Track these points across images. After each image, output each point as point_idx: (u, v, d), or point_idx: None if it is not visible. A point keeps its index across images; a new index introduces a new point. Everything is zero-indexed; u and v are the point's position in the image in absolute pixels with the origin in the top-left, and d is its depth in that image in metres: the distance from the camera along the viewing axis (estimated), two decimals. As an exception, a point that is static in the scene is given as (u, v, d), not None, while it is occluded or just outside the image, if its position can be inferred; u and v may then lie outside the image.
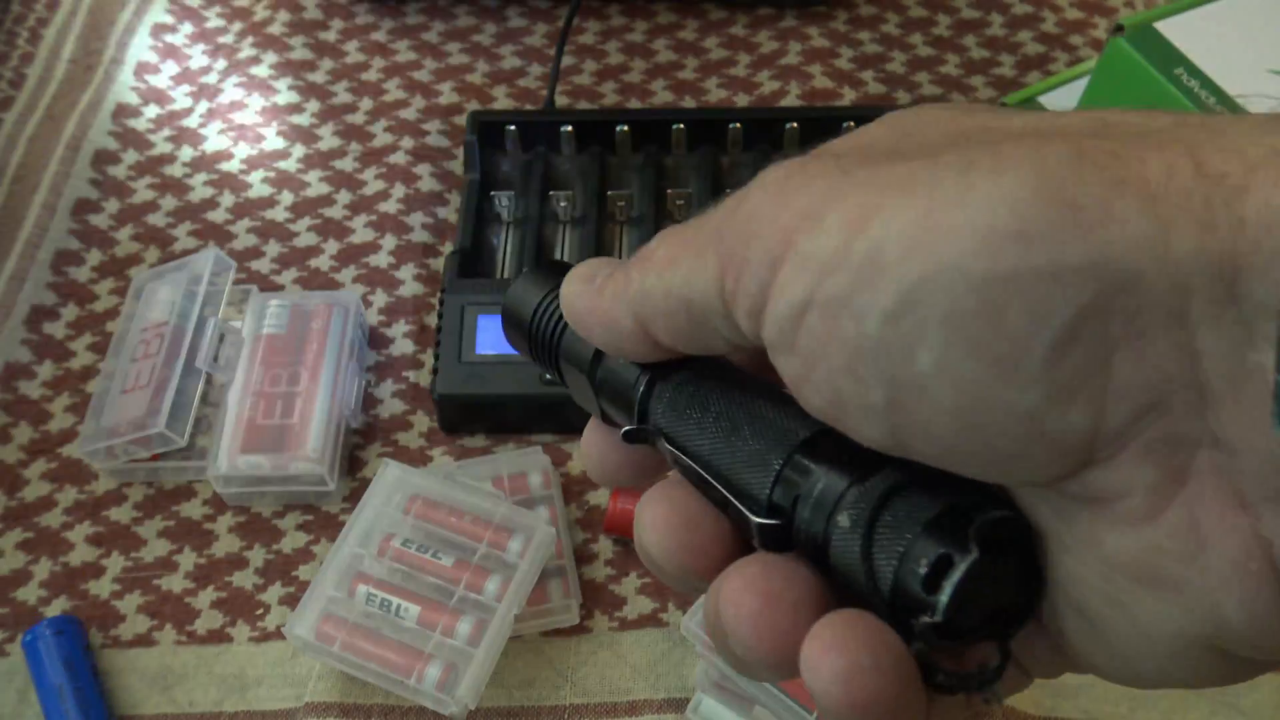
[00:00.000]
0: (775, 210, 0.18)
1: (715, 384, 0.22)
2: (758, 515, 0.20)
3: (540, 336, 0.25)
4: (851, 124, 0.54)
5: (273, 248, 0.57)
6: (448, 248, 0.57)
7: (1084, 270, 0.15)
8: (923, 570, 0.17)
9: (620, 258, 0.54)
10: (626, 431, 0.23)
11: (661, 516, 0.21)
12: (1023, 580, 0.19)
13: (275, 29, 0.66)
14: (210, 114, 0.63)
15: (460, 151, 0.61)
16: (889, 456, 0.18)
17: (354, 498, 0.49)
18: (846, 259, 0.17)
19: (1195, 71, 0.47)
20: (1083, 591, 0.18)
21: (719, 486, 0.20)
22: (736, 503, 0.20)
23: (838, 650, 0.17)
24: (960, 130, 0.18)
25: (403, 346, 0.54)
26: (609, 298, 0.22)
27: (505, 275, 0.53)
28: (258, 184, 0.60)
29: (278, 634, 0.45)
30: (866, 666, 0.17)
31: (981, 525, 0.17)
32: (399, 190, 0.59)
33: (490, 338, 0.49)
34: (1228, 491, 0.16)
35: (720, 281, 0.19)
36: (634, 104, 0.63)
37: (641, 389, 0.22)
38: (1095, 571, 0.18)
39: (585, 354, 0.23)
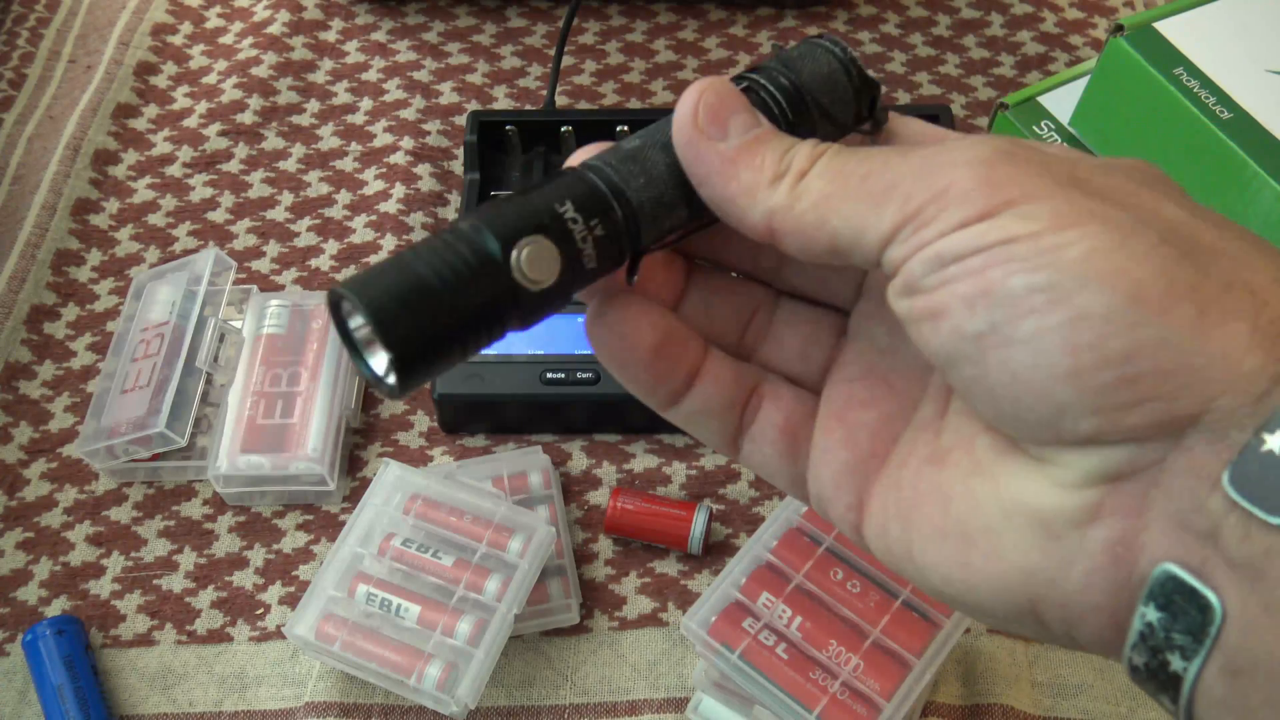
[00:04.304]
0: (980, 187, 0.20)
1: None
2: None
3: None
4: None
5: (273, 248, 0.57)
6: (448, 248, 0.57)
7: (1185, 388, 0.19)
8: None
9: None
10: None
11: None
12: None
13: (275, 29, 0.66)
14: (210, 114, 0.63)
15: (460, 151, 0.61)
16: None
17: (354, 497, 0.49)
18: (1034, 239, 0.20)
19: (1195, 71, 0.47)
20: (969, 507, 0.22)
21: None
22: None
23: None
24: (1173, 223, 0.21)
25: (403, 346, 0.54)
26: (744, 184, 0.23)
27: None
28: (258, 184, 0.60)
29: (278, 634, 0.45)
30: None
31: None
32: (399, 190, 0.59)
33: (490, 338, 0.49)
34: (1154, 516, 0.20)
35: (893, 229, 0.21)
36: (634, 104, 0.63)
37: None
38: (989, 492, 0.22)
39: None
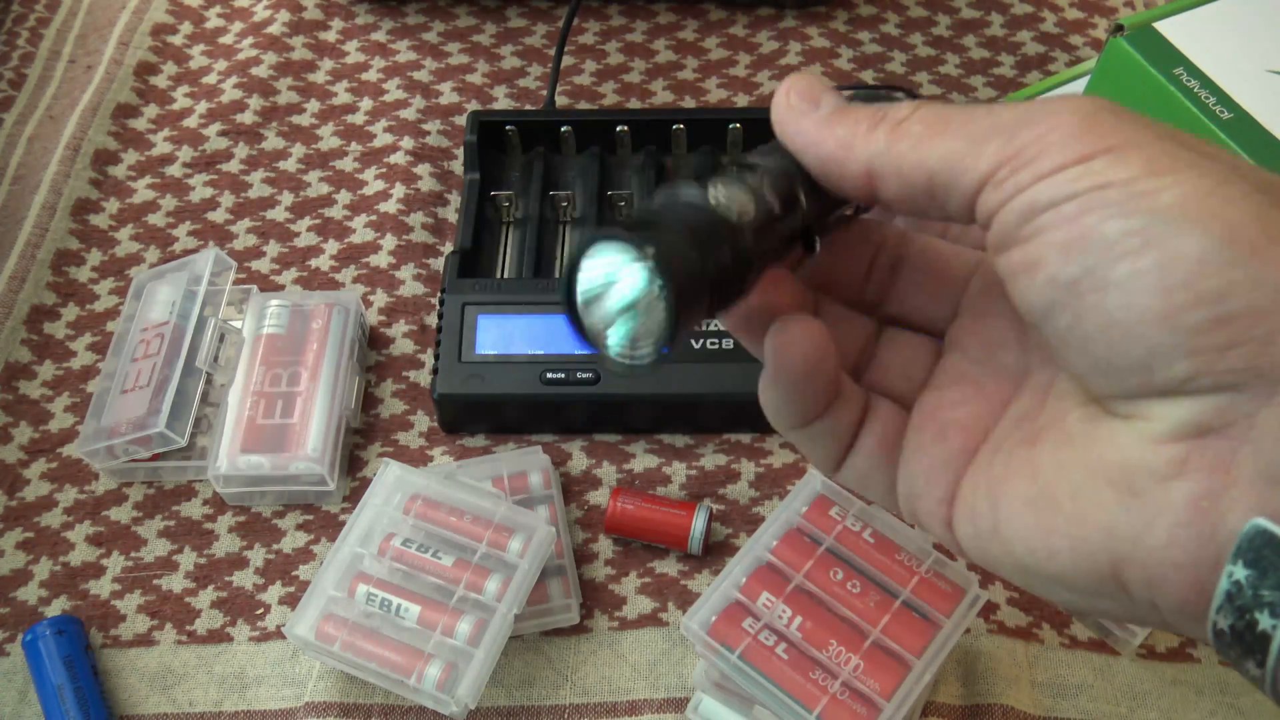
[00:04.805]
0: (1081, 134, 0.21)
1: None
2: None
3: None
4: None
5: (273, 248, 0.57)
6: (448, 248, 0.57)
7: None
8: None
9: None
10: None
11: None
12: None
13: (275, 29, 0.66)
14: (210, 114, 0.63)
15: (460, 151, 0.61)
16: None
17: (354, 497, 0.49)
18: (1128, 185, 0.20)
19: (1195, 71, 0.47)
20: (1055, 474, 0.22)
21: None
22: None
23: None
24: (1267, 178, 0.21)
25: (403, 346, 0.54)
26: (840, 138, 0.24)
27: (505, 275, 0.53)
28: (258, 184, 0.60)
29: (278, 634, 0.45)
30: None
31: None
32: (399, 190, 0.59)
33: (490, 338, 0.49)
34: (1243, 472, 0.20)
35: (992, 168, 0.22)
36: (634, 104, 0.63)
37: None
38: (1076, 456, 0.22)
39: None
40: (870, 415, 0.26)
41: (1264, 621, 0.19)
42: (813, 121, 0.25)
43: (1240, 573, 0.19)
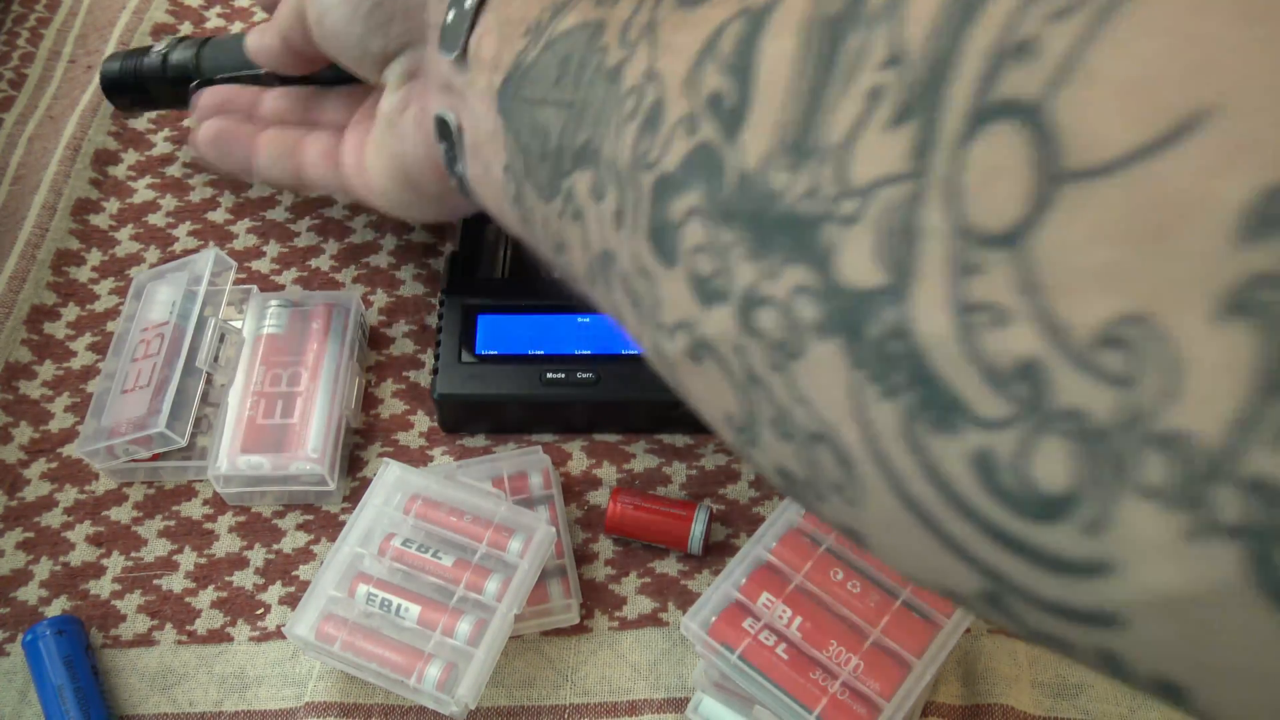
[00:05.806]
0: None
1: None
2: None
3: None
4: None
5: (273, 248, 0.57)
6: (448, 248, 0.57)
7: (418, 6, 0.35)
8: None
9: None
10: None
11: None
12: None
13: (275, 29, 0.66)
14: (210, 114, 0.63)
15: (460, 151, 0.61)
16: None
17: (354, 498, 0.49)
18: None
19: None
20: (375, 131, 0.40)
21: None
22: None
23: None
24: None
25: (403, 346, 0.54)
26: (263, 35, 0.42)
27: (505, 275, 0.53)
28: (258, 184, 0.60)
29: (278, 634, 0.45)
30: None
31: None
32: (399, 190, 0.59)
33: (490, 338, 0.49)
34: (430, 91, 0.35)
35: None
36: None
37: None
38: (389, 118, 0.39)
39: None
40: (310, 144, 0.43)
41: (458, 168, 0.34)
42: (259, 36, 0.42)
43: (440, 146, 0.34)
